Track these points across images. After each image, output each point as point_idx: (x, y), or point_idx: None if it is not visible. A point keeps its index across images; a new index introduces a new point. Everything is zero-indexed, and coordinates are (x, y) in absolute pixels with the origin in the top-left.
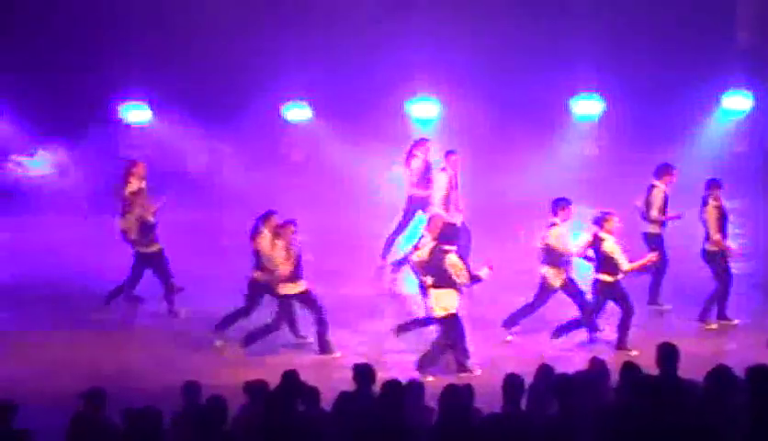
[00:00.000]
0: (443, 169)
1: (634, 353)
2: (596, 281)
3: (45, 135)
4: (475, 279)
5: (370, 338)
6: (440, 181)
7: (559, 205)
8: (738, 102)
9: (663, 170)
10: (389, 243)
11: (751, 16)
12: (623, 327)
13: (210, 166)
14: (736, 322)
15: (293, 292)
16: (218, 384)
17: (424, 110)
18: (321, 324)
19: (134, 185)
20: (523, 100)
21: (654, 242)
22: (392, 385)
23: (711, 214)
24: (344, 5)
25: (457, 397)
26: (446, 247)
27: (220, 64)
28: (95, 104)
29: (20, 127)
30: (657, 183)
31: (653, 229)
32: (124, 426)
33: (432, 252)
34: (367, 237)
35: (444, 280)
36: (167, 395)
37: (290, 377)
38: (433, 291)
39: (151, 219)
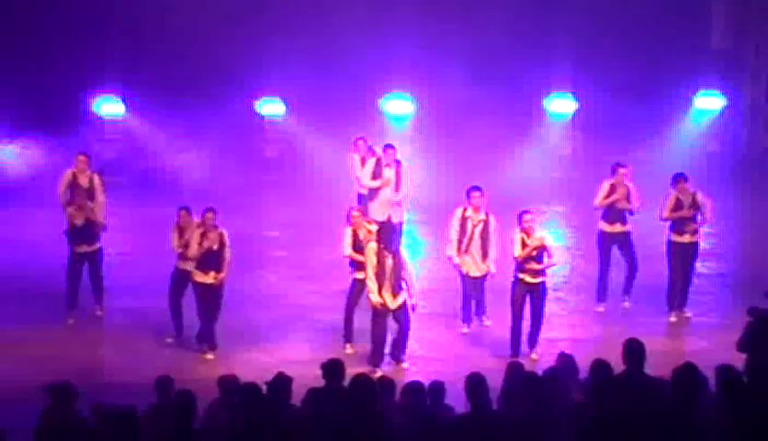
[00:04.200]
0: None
1: None
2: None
3: (19, 129)
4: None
5: (337, 333)
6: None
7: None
8: (710, 102)
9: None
10: None
11: (724, 20)
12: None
13: (183, 160)
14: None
15: (200, 281)
16: (189, 378)
17: (399, 107)
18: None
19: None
20: (497, 98)
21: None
22: (361, 380)
23: (669, 200)
24: (319, 3)
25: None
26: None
27: (194, 59)
28: (68, 98)
29: None
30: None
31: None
32: (95, 421)
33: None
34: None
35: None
36: (141, 390)
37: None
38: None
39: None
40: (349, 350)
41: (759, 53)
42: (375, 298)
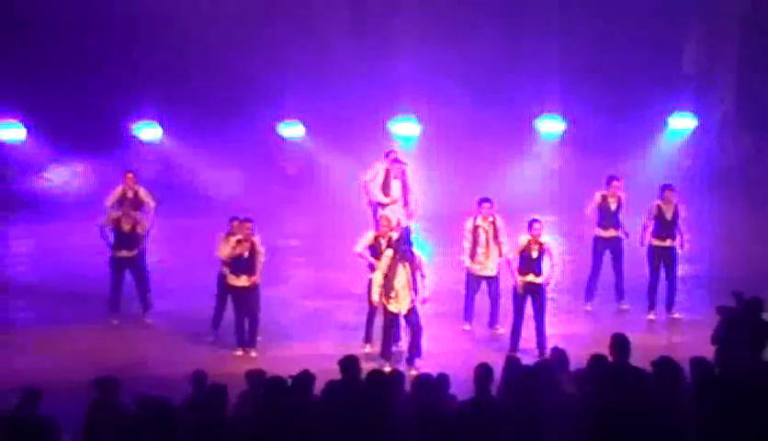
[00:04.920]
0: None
1: None
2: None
3: (67, 151)
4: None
5: (356, 333)
6: (373, 171)
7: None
8: (683, 122)
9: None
10: None
11: (696, 47)
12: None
13: (213, 179)
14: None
15: (233, 284)
16: (222, 373)
17: (405, 129)
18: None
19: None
20: (494, 120)
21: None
22: (376, 375)
23: (652, 208)
24: (332, 34)
25: (430, 386)
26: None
27: (223, 87)
28: (112, 123)
29: (44, 143)
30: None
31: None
32: (137, 411)
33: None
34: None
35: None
36: (177, 384)
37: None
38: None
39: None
40: (368, 349)
41: (727, 76)
42: (375, 297)
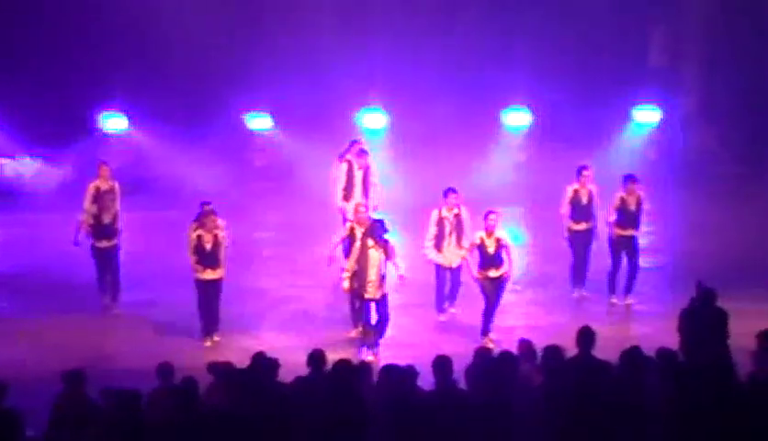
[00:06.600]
0: (341, 159)
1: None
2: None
3: (36, 144)
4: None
5: (325, 325)
6: (339, 171)
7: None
8: (648, 115)
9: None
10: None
11: (661, 41)
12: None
13: (181, 170)
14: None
15: (201, 277)
16: (192, 366)
17: (373, 120)
18: (208, 313)
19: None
20: (460, 112)
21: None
22: (342, 365)
23: (615, 199)
24: (300, 25)
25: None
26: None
27: (191, 78)
28: (78, 114)
29: (9, 133)
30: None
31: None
32: (104, 404)
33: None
34: (321, 232)
35: None
36: (144, 376)
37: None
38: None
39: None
40: (354, 334)
41: (692, 69)
42: (345, 284)
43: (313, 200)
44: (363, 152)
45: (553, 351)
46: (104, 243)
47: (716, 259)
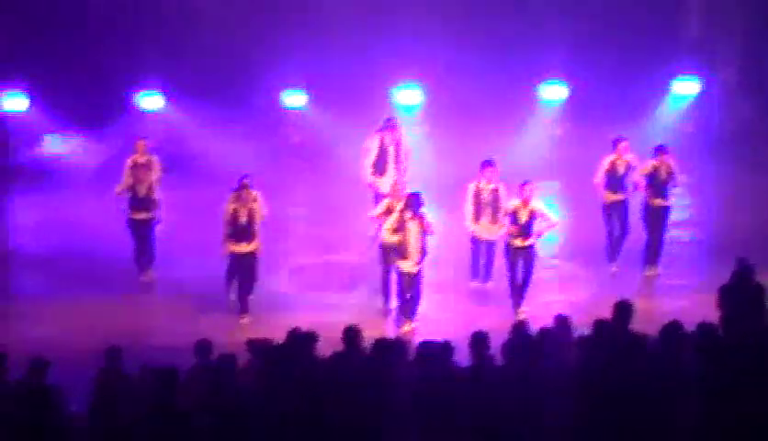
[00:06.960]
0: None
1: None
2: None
3: (70, 121)
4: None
5: (359, 301)
6: (370, 144)
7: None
8: (687, 87)
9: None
10: None
11: (700, 12)
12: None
13: (217, 148)
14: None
15: (234, 250)
16: (229, 342)
17: (408, 97)
18: (241, 287)
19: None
20: (497, 87)
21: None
22: (381, 343)
23: (648, 165)
24: (336, 1)
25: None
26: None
27: (226, 56)
28: (114, 93)
29: (47, 113)
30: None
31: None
32: (143, 380)
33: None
34: (355, 209)
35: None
36: (183, 353)
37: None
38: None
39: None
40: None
41: (731, 40)
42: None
43: (348, 177)
44: (393, 127)
45: (599, 326)
46: (140, 215)
47: (755, 232)
